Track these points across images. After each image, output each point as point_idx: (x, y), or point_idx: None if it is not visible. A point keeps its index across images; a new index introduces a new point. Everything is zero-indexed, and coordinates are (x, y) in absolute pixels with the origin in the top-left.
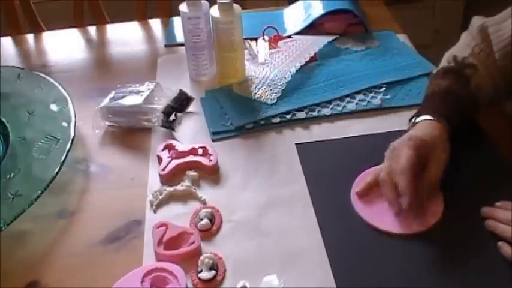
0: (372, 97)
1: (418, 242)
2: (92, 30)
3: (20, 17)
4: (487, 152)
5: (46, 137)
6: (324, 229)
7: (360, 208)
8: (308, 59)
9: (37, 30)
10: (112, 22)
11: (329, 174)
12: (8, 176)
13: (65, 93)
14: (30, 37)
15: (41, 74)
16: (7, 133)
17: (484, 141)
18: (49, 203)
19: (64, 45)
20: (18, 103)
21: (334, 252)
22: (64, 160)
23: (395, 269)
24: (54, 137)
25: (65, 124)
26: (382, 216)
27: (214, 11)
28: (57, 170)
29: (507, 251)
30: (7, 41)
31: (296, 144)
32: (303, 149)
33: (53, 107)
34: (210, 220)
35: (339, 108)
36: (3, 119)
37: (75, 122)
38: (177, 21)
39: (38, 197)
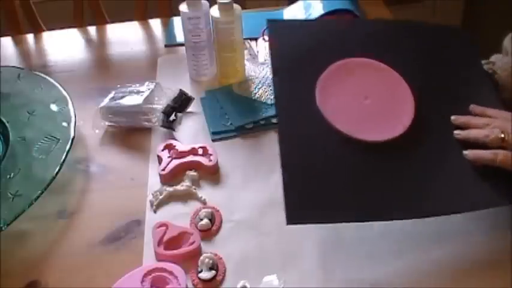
0: None
1: (383, 149)
2: (92, 30)
3: (20, 17)
4: (472, 62)
5: (46, 137)
6: (283, 126)
7: (325, 107)
8: None
9: (37, 30)
10: (112, 22)
11: (299, 61)
12: (8, 176)
13: (65, 93)
14: (30, 37)
15: (41, 74)
16: (7, 133)
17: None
18: (49, 203)
19: (64, 45)
20: (18, 103)
21: (289, 152)
22: (64, 160)
23: (354, 174)
24: (54, 137)
25: (65, 124)
26: (348, 120)
27: (214, 11)
28: (57, 170)
29: (477, 153)
30: (7, 41)
31: (268, 20)
32: (275, 28)
33: (53, 107)
34: (210, 220)
35: None
36: (3, 119)
37: (75, 122)
38: (177, 21)
39: (38, 197)
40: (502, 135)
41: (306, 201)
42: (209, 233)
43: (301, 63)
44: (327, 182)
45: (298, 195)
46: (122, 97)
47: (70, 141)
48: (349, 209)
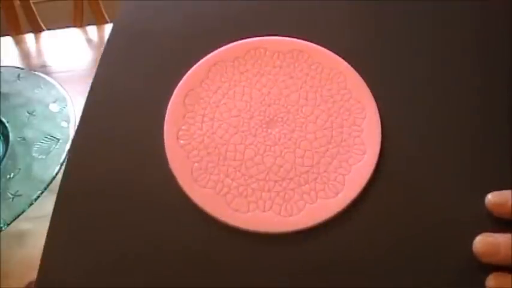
0: None
1: (303, 252)
2: (92, 30)
3: (20, 17)
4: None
5: (46, 137)
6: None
7: (175, 148)
8: None
9: (37, 30)
10: (112, 22)
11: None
12: (8, 176)
13: (64, 93)
14: (30, 37)
15: (40, 74)
16: (7, 133)
17: None
18: (49, 203)
19: (64, 45)
20: (18, 103)
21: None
22: (64, 160)
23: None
24: (54, 137)
25: (64, 124)
26: (219, 181)
27: None
28: (57, 170)
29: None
30: (7, 41)
31: None
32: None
33: (53, 107)
34: None
35: None
36: (3, 119)
37: (75, 122)
38: None
39: (38, 197)
40: None
41: None
42: None
43: (150, 61)
44: None
45: None
46: None
47: (70, 141)
48: None
